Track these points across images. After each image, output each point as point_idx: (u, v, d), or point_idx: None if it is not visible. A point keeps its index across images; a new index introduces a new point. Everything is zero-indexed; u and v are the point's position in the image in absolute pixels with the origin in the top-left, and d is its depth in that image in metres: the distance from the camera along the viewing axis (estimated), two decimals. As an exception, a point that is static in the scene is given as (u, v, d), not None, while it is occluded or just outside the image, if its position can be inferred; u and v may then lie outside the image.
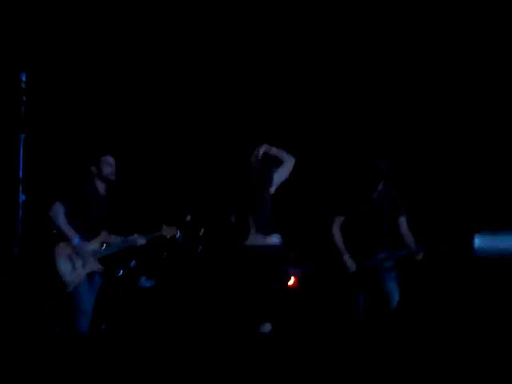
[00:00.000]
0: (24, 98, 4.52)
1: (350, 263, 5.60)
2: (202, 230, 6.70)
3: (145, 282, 6.68)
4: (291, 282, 7.04)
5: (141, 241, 5.39)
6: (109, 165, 5.36)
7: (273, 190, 5.15)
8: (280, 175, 5.12)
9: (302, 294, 6.87)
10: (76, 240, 5.11)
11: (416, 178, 6.92)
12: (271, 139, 5.44)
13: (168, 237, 5.56)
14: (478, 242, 5.99)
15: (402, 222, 5.74)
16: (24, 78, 4.56)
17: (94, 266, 5.17)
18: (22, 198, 4.38)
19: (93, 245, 5.21)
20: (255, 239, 5.12)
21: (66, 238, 5.12)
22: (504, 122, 6.90)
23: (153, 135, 5.39)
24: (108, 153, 5.45)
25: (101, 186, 5.39)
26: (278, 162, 5.12)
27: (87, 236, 5.21)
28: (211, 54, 7.21)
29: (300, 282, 6.96)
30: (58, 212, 5.15)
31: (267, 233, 5.13)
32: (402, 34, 6.90)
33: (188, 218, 5.63)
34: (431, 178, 7.01)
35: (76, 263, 5.08)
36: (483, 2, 6.57)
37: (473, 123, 6.97)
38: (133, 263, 6.56)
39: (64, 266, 5.07)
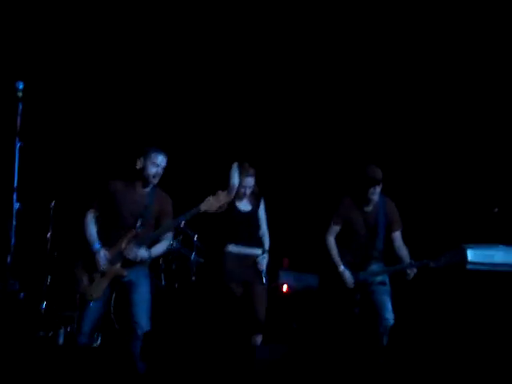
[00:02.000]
0: (20, 107, 4.50)
1: (347, 275, 5.59)
2: (196, 235, 6.74)
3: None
4: (284, 289, 7.05)
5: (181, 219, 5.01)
6: (154, 165, 4.96)
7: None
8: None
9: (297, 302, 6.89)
10: (96, 246, 4.87)
11: (409, 190, 6.91)
12: (268, 145, 5.46)
13: (215, 208, 4.96)
14: (471, 255, 5.96)
15: (397, 235, 5.73)
16: (21, 87, 4.54)
17: (116, 272, 4.88)
18: (17, 206, 4.35)
19: (115, 250, 4.89)
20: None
21: (88, 245, 4.90)
22: (497, 133, 6.92)
23: (151, 143, 5.26)
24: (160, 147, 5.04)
25: (141, 184, 5.01)
26: None
27: (118, 240, 4.90)
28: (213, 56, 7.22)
29: (292, 290, 6.98)
30: (88, 220, 4.95)
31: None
32: (402, 35, 6.90)
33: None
34: (424, 189, 7.01)
35: (94, 275, 4.86)
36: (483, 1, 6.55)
37: (466, 134, 6.99)
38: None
39: (81, 280, 4.85)
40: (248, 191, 5.49)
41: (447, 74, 6.92)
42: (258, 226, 5.56)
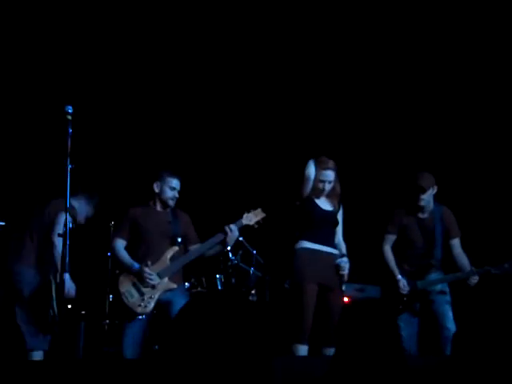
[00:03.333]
0: (70, 130, 4.64)
1: (404, 284, 5.47)
2: (255, 251, 6.77)
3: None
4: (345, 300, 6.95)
5: (231, 234, 5.09)
6: (171, 188, 5.20)
7: None
8: None
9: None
10: (135, 266, 5.00)
11: (468, 196, 6.72)
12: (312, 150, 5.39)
13: (253, 222, 5.20)
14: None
15: (456, 243, 5.59)
16: (70, 110, 4.69)
17: (166, 285, 5.03)
18: (70, 226, 4.48)
19: (161, 265, 5.03)
20: None
21: (127, 269, 5.05)
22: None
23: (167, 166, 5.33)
24: (174, 169, 5.30)
25: (160, 206, 5.23)
26: None
27: (154, 258, 5.04)
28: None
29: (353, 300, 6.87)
30: (117, 248, 5.13)
31: None
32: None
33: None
34: (483, 194, 6.80)
35: (143, 289, 4.98)
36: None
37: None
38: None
39: (130, 295, 4.97)
40: (328, 187, 5.09)
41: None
42: (335, 230, 5.21)
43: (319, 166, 5.05)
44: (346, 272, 5.06)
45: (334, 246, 5.16)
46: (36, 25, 5.99)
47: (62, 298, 4.83)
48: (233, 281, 6.75)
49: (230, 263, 6.72)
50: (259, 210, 5.24)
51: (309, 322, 4.92)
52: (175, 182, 5.22)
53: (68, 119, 4.63)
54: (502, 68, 6.64)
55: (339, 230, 5.26)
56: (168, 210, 5.26)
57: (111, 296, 6.25)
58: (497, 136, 6.85)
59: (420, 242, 5.58)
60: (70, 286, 5.13)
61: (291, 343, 4.92)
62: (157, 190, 5.20)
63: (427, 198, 5.50)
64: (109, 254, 6.38)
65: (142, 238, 5.11)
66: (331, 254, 5.10)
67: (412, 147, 7.16)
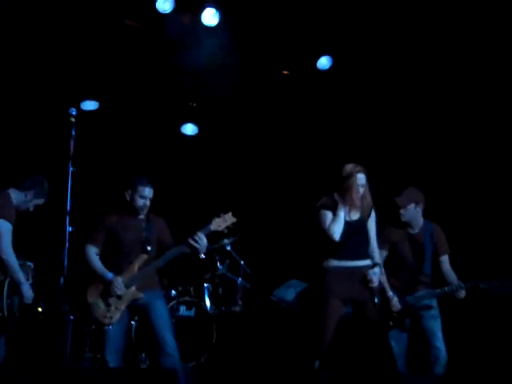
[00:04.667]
0: (73, 133, 4.60)
1: (396, 301, 5.50)
2: (243, 261, 6.77)
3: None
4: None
5: (199, 242, 4.94)
6: (142, 197, 5.10)
7: None
8: None
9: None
10: (109, 276, 4.99)
11: (453, 211, 6.79)
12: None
13: (222, 228, 5.02)
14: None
15: (445, 259, 5.66)
16: (74, 113, 4.66)
17: (132, 295, 5.00)
18: (69, 230, 4.44)
19: (128, 274, 5.01)
20: None
21: (100, 277, 5.04)
22: None
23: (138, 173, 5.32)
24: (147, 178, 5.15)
25: (134, 213, 5.14)
26: None
27: (125, 267, 5.06)
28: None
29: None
30: (89, 255, 5.09)
31: None
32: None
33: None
34: (470, 211, 6.88)
35: (110, 300, 4.97)
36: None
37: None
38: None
39: (96, 306, 4.98)
40: (361, 190, 5.05)
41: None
42: (366, 238, 5.15)
43: (352, 171, 5.05)
44: (375, 284, 5.03)
45: (367, 256, 5.11)
46: (40, 27, 5.91)
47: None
48: (220, 291, 6.75)
49: (217, 272, 6.73)
50: (229, 214, 5.05)
51: (327, 341, 4.94)
52: (147, 191, 5.10)
53: (72, 121, 4.61)
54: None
55: (372, 237, 5.21)
56: (141, 216, 5.17)
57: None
58: (486, 153, 6.92)
59: (410, 258, 5.63)
60: (30, 295, 5.12)
61: (309, 358, 4.94)
62: (128, 198, 5.12)
63: (407, 214, 5.56)
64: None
65: (116, 245, 5.10)
66: (362, 267, 5.06)
67: (404, 162, 7.21)
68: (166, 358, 4.84)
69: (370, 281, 5.00)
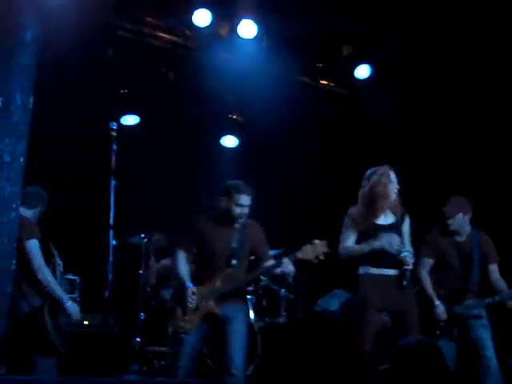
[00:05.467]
0: (114, 147, 4.64)
1: (441, 310, 5.39)
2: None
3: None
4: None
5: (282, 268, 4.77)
6: (238, 205, 4.84)
7: None
8: None
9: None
10: (187, 285, 4.82)
11: (501, 218, 6.62)
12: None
13: (311, 257, 4.76)
14: None
15: (494, 268, 5.53)
16: (115, 127, 4.70)
17: (208, 309, 4.84)
18: (113, 243, 4.47)
19: (208, 287, 4.85)
20: None
21: (181, 284, 4.89)
22: None
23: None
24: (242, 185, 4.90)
25: (229, 222, 4.92)
26: None
27: (208, 278, 4.89)
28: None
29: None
30: (176, 259, 4.95)
31: None
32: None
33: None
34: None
35: (187, 308, 4.81)
36: None
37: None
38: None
39: (174, 312, 4.88)
40: (390, 189, 4.92)
41: None
42: (402, 244, 4.97)
43: (384, 175, 4.91)
44: (410, 266, 4.85)
45: (400, 264, 4.94)
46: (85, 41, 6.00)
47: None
48: (263, 302, 6.71)
49: (260, 284, 6.70)
50: (324, 242, 4.79)
51: (366, 351, 4.80)
52: (244, 199, 4.83)
53: (113, 136, 4.65)
54: None
55: (406, 240, 5.06)
56: (236, 225, 4.94)
57: (142, 314, 6.22)
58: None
59: (457, 266, 5.52)
60: (75, 312, 4.97)
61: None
62: (224, 206, 4.88)
63: (456, 224, 5.46)
64: (140, 272, 6.37)
65: (203, 254, 4.95)
66: (397, 275, 4.92)
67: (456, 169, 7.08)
68: (228, 376, 4.71)
69: (403, 261, 4.82)
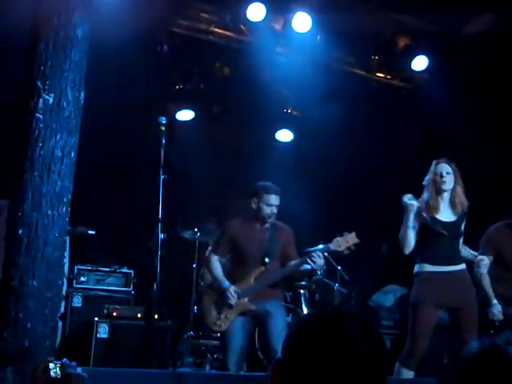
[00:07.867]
0: (163, 141, 4.68)
1: (498, 310, 5.20)
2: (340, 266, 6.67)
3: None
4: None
5: (315, 262, 4.82)
6: (268, 205, 4.98)
7: None
8: None
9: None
10: (225, 284, 4.95)
11: None
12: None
13: (343, 248, 4.89)
14: None
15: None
16: (164, 121, 4.74)
17: (244, 306, 4.93)
18: (161, 237, 4.51)
19: (243, 285, 4.96)
20: None
21: (217, 285, 5.03)
22: None
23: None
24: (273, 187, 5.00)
25: (259, 221, 5.05)
26: None
27: (242, 277, 5.00)
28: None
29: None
30: (211, 262, 5.08)
31: None
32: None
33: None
34: None
35: (222, 308, 4.95)
36: None
37: None
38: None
39: (209, 312, 4.99)
40: (445, 183, 4.78)
41: None
42: (459, 242, 4.90)
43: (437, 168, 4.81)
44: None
45: (460, 261, 4.89)
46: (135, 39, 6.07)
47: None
48: (316, 297, 6.67)
49: (313, 278, 6.66)
50: (353, 234, 4.92)
51: (419, 349, 4.76)
52: (273, 198, 4.99)
53: (162, 130, 4.69)
54: None
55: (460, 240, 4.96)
56: (267, 225, 5.09)
57: (195, 308, 6.28)
58: None
59: (516, 268, 5.33)
60: None
61: (398, 362, 4.79)
62: (254, 207, 5.04)
63: None
64: (194, 265, 6.42)
65: (237, 255, 5.07)
66: (456, 271, 4.84)
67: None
68: None
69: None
